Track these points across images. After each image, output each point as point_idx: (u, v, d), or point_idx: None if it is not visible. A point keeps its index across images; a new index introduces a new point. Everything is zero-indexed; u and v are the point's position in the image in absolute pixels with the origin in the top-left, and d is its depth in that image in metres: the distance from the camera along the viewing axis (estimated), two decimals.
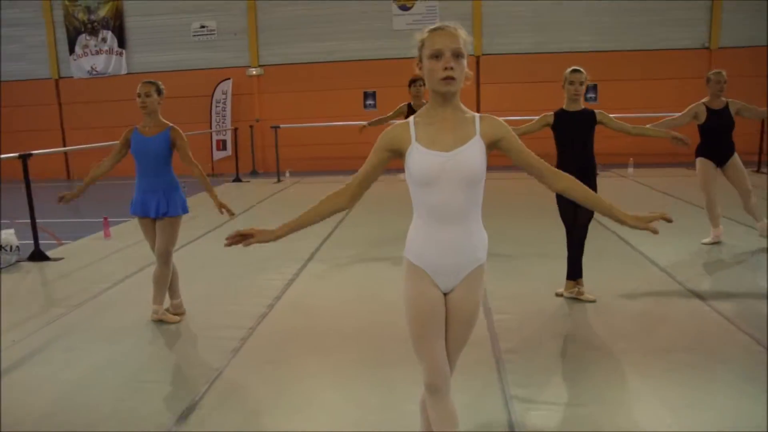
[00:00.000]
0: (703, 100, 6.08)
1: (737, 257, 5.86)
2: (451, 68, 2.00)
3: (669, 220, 2.10)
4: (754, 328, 3.99)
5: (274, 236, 2.13)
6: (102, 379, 3.56)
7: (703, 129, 6.09)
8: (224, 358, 3.78)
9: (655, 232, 2.08)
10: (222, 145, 15.04)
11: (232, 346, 3.96)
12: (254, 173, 14.65)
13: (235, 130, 13.90)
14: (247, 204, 9.92)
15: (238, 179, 13.29)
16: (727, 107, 5.99)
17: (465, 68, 2.05)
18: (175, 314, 4.55)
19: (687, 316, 4.33)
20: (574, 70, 4.52)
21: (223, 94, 14.73)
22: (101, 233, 7.64)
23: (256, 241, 2.09)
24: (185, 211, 4.44)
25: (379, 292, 5.09)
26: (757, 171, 11.56)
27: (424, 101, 7.45)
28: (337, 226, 7.77)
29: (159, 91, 4.37)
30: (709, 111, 6.01)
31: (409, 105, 7.49)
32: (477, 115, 2.14)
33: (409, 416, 2.78)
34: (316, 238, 7.04)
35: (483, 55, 14.98)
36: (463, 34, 2.05)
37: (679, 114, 6.16)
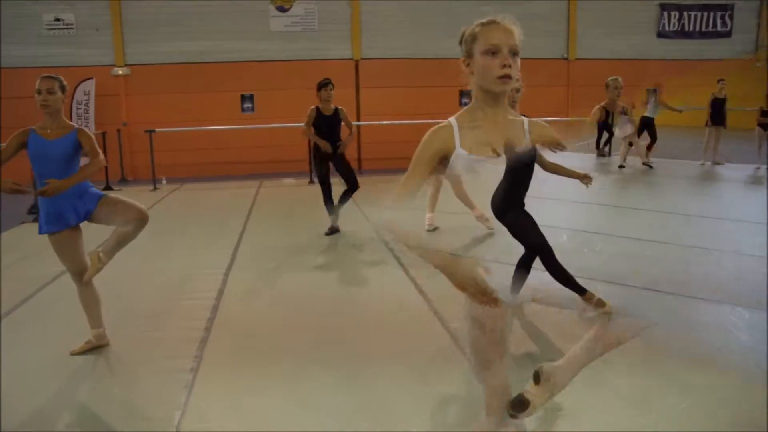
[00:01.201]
0: (603, 104, 6.77)
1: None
2: (509, 66, 1.90)
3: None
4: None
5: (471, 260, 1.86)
6: None
7: (599, 127, 6.85)
8: (180, 396, 3.34)
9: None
10: None
11: (183, 380, 3.53)
12: (124, 181, 13.50)
13: (103, 134, 12.68)
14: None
15: (108, 188, 12.13)
16: (623, 111, 6.69)
17: (519, 68, 1.97)
18: (97, 346, 4.01)
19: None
20: None
21: (85, 94, 13.41)
22: None
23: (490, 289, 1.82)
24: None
25: (315, 299, 4.97)
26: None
27: (333, 106, 7.27)
28: (240, 237, 7.36)
29: (63, 88, 3.83)
30: (607, 113, 6.80)
31: (317, 108, 7.24)
32: (525, 119, 2.07)
33: None
34: (223, 251, 6.60)
35: (362, 59, 15.06)
36: (518, 30, 1.95)
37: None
